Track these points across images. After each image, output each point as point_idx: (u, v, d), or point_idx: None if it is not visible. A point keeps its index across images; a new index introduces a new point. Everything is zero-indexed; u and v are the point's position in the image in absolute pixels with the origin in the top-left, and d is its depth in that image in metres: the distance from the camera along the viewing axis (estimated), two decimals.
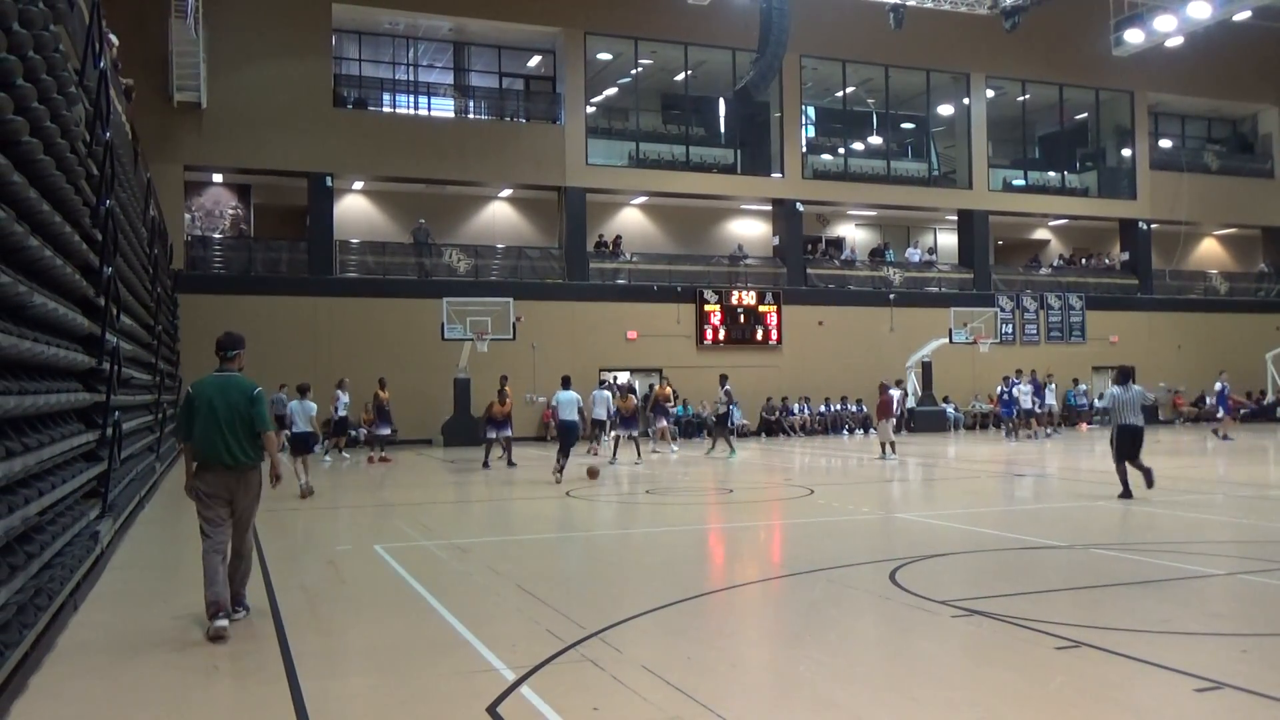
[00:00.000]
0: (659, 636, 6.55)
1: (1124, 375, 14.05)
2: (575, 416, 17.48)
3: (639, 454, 21.72)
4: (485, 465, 19.98)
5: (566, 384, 18.10)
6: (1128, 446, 13.58)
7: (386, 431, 22.25)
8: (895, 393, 27.69)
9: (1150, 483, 13.51)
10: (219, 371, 7.13)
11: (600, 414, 22.33)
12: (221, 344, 7.22)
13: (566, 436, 17.28)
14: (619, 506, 14.68)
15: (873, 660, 6.06)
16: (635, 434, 21.73)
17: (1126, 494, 13.49)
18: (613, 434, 22.25)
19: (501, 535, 12.06)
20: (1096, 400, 30.73)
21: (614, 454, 21.50)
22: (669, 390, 24.72)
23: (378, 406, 22.19)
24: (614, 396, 23.02)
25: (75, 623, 6.95)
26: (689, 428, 30.23)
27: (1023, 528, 11.32)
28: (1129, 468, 13.54)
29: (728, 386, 22.99)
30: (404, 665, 5.85)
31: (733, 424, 30.27)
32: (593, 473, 17.13)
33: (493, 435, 19.95)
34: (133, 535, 11.26)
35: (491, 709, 4.99)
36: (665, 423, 24.34)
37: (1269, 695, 5.02)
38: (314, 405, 16.76)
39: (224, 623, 6.52)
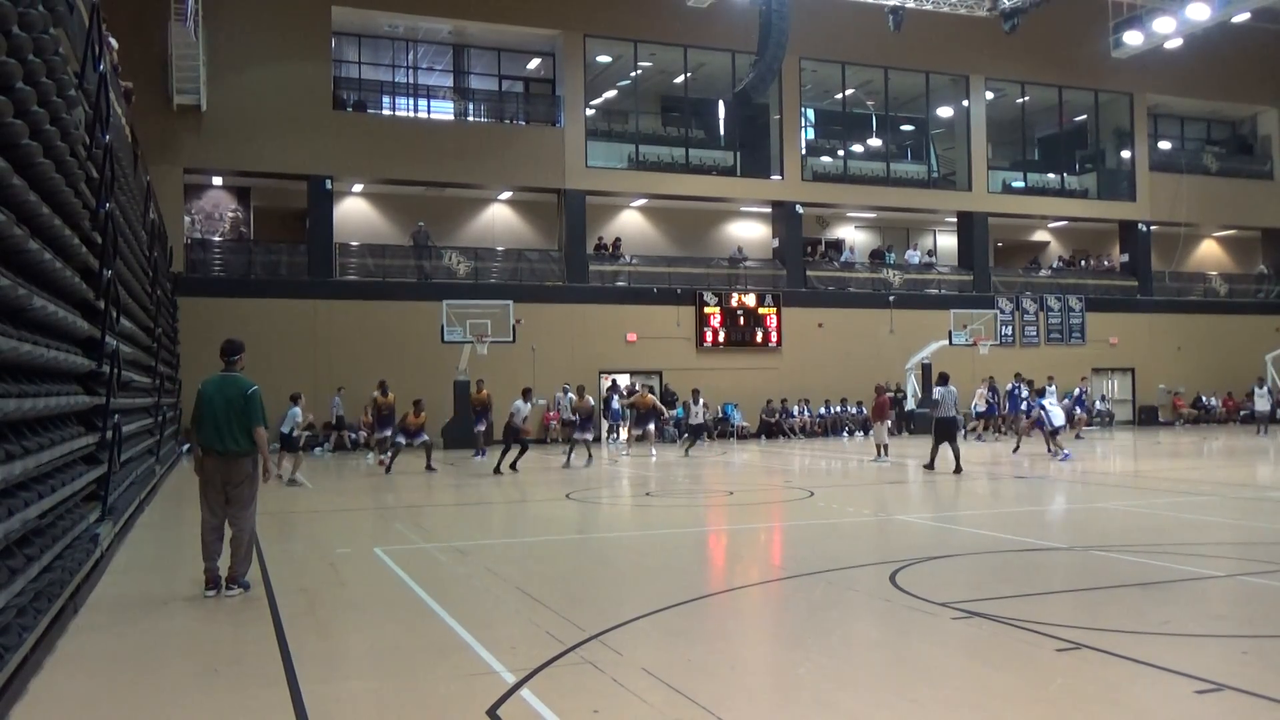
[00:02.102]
0: (659, 639, 6.54)
1: (943, 379, 18.61)
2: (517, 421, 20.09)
3: (589, 456, 21.49)
4: (387, 470, 19.68)
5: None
6: (943, 434, 17.94)
7: (388, 433, 22.23)
8: (985, 392, 27.45)
9: (958, 468, 17.48)
10: (223, 372, 8.25)
11: (565, 415, 24.20)
12: (225, 350, 8.37)
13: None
14: (618, 509, 14.68)
15: (873, 662, 6.06)
16: (589, 437, 21.64)
17: (930, 467, 17.95)
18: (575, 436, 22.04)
19: (501, 538, 12.05)
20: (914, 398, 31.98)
21: (568, 459, 21.41)
22: (651, 399, 24.64)
23: (377, 409, 22.25)
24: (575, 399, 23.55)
25: (75, 626, 6.95)
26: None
27: (1023, 529, 11.32)
28: (946, 449, 17.73)
29: (703, 400, 24.87)
30: (404, 668, 5.85)
31: (733, 427, 30.62)
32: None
33: (402, 441, 20.13)
34: (132, 538, 11.25)
35: (491, 711, 4.99)
36: (651, 427, 24.36)
37: (1269, 697, 5.02)
38: (299, 411, 17.78)
39: (212, 593, 7.79)
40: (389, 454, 20.51)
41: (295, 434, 17.62)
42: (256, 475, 8.12)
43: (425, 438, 20.38)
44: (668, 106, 35.26)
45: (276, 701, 5.24)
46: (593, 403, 22.46)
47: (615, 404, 28.96)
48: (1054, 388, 27.09)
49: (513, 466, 19.64)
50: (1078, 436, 28.26)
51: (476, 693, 5.27)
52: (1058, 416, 21.07)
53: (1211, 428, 35.05)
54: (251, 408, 7.96)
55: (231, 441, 7.91)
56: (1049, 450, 20.77)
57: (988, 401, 28.22)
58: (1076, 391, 29.21)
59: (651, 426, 24.17)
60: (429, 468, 20.08)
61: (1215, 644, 6.19)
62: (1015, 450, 22.59)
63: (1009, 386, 28.27)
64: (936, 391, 18.73)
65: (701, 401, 24.33)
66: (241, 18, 27.56)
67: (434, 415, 26.79)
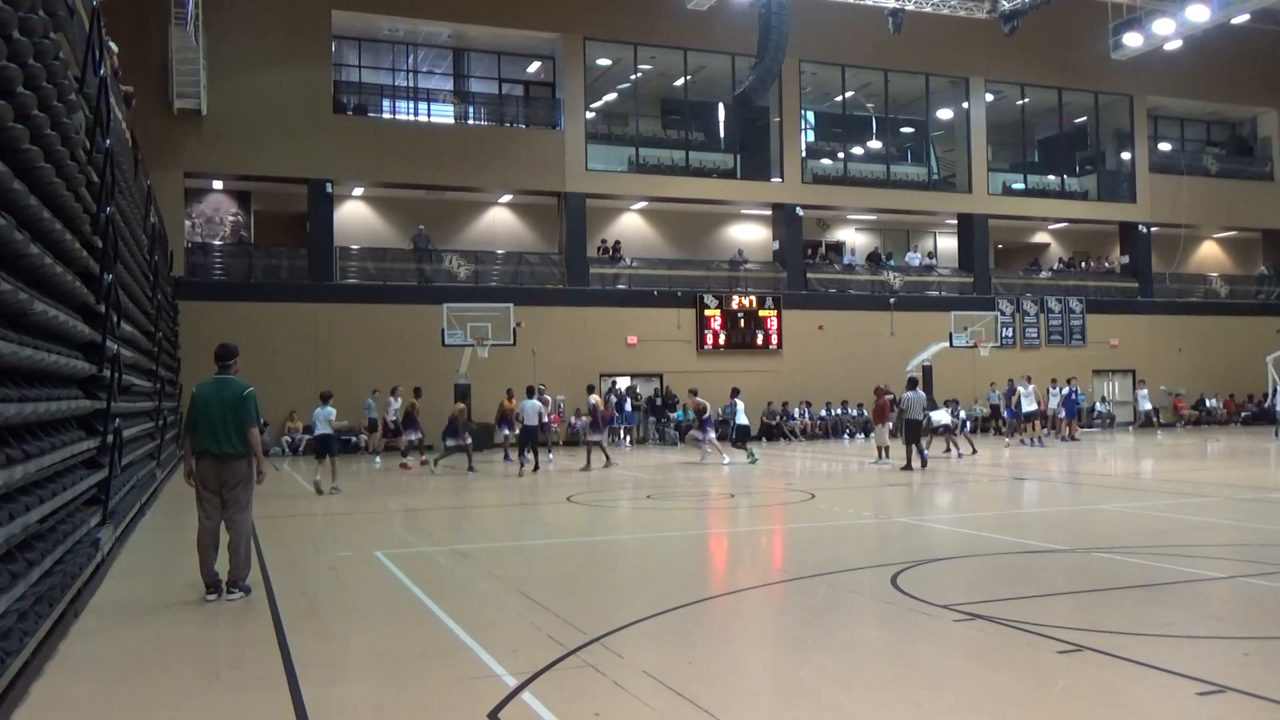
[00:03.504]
0: (660, 641, 6.55)
1: (912, 383, 20.29)
2: (535, 421, 20.26)
3: (588, 462, 21.40)
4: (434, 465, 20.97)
5: (530, 393, 20.66)
6: (912, 434, 19.35)
7: (414, 436, 22.45)
8: (1024, 389, 26.78)
9: (924, 464, 19.18)
10: (218, 375, 8.29)
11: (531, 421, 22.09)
12: (219, 354, 8.42)
13: (527, 437, 20.15)
14: (620, 511, 14.67)
15: (875, 665, 6.06)
16: (600, 438, 21.91)
17: (909, 467, 18.94)
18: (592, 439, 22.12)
19: (502, 541, 12.06)
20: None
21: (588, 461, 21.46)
22: (700, 401, 23.74)
23: (410, 413, 22.56)
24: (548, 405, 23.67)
25: (76, 630, 6.95)
26: (687, 431, 30.19)
27: (1024, 531, 11.32)
28: (914, 449, 19.15)
29: (740, 400, 22.95)
30: (405, 671, 5.85)
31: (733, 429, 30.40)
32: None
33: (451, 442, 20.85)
34: (133, 542, 11.25)
35: (493, 715, 4.98)
36: (709, 434, 22.92)
37: (1271, 698, 5.02)
38: (333, 411, 17.08)
39: (213, 597, 7.86)
40: (435, 457, 21.16)
41: (333, 433, 16.89)
42: (252, 477, 8.16)
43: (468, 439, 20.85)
44: (668, 109, 35.29)
45: (277, 705, 5.24)
46: (594, 403, 22.49)
47: (628, 407, 29.14)
48: (1030, 388, 27.04)
49: (520, 468, 19.85)
50: (1062, 439, 28.20)
51: (477, 696, 5.27)
52: (940, 418, 23.73)
53: (1213, 429, 35.04)
54: (247, 409, 8.03)
55: (228, 443, 7.96)
56: (948, 450, 23.10)
57: (1037, 400, 27.32)
58: (1066, 390, 29.11)
59: (709, 434, 23.18)
60: (430, 464, 20.64)
61: (1217, 645, 6.18)
62: (946, 452, 23.04)
63: (1066, 390, 28.51)
64: (906, 396, 19.99)
65: (739, 402, 22.98)
66: (242, 22, 27.57)
67: (434, 419, 26.87)
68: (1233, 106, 40.44)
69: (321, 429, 16.77)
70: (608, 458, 21.55)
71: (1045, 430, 28.89)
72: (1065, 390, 29.03)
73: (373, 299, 28.52)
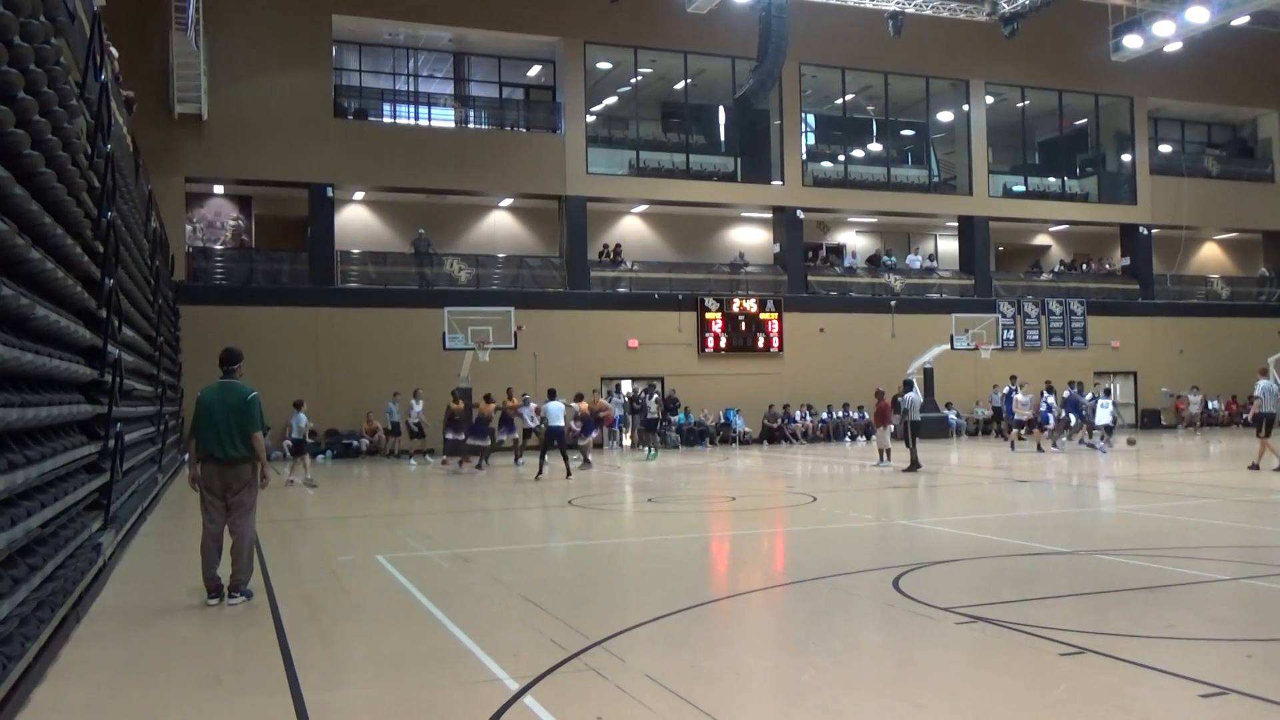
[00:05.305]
0: (662, 645, 6.54)
1: (908, 385, 21.04)
2: (561, 422, 20.21)
3: (585, 460, 21.87)
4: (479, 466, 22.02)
5: (552, 395, 20.61)
6: (914, 434, 19.74)
7: (461, 437, 22.95)
8: (1024, 397, 26.50)
9: (912, 466, 19.29)
10: (222, 379, 8.31)
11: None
12: (224, 359, 8.45)
13: (553, 438, 20.06)
14: (621, 515, 14.67)
15: (877, 667, 6.05)
16: (588, 442, 22.59)
17: (916, 467, 19.23)
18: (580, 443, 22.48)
19: (504, 544, 12.05)
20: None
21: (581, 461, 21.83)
22: (587, 406, 24.68)
23: (449, 416, 23.10)
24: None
25: (78, 635, 6.95)
26: (690, 435, 30.26)
27: (1026, 534, 11.31)
28: (915, 449, 19.51)
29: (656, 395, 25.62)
30: (406, 676, 5.84)
31: (735, 432, 30.67)
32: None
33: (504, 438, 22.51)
34: (135, 547, 11.26)
35: (494, 719, 4.98)
36: (590, 436, 24.16)
37: (1274, 700, 5.01)
38: (304, 417, 18.72)
39: (215, 601, 7.87)
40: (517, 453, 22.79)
41: (304, 439, 18.57)
42: (255, 481, 8.18)
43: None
44: (668, 112, 35.29)
45: (279, 710, 5.24)
46: (578, 410, 22.67)
47: (652, 412, 29.38)
48: (1027, 396, 26.87)
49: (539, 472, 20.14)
50: (1081, 442, 28.12)
51: (479, 700, 5.27)
52: (1103, 418, 24.46)
53: (1214, 430, 35.00)
54: (251, 413, 8.06)
55: (232, 448, 7.99)
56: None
57: (1047, 405, 26.80)
58: (1068, 392, 28.94)
59: (592, 435, 24.15)
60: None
61: (1219, 648, 6.17)
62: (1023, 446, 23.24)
63: (1065, 391, 28.31)
64: (907, 398, 20.55)
65: (655, 396, 24.44)
66: (243, 26, 27.59)
67: (435, 422, 26.88)
68: (1233, 108, 40.43)
69: (295, 434, 18.79)
70: (579, 460, 21.66)
71: (1064, 435, 28.71)
72: (1089, 395, 28.87)
73: (374, 303, 28.52)
